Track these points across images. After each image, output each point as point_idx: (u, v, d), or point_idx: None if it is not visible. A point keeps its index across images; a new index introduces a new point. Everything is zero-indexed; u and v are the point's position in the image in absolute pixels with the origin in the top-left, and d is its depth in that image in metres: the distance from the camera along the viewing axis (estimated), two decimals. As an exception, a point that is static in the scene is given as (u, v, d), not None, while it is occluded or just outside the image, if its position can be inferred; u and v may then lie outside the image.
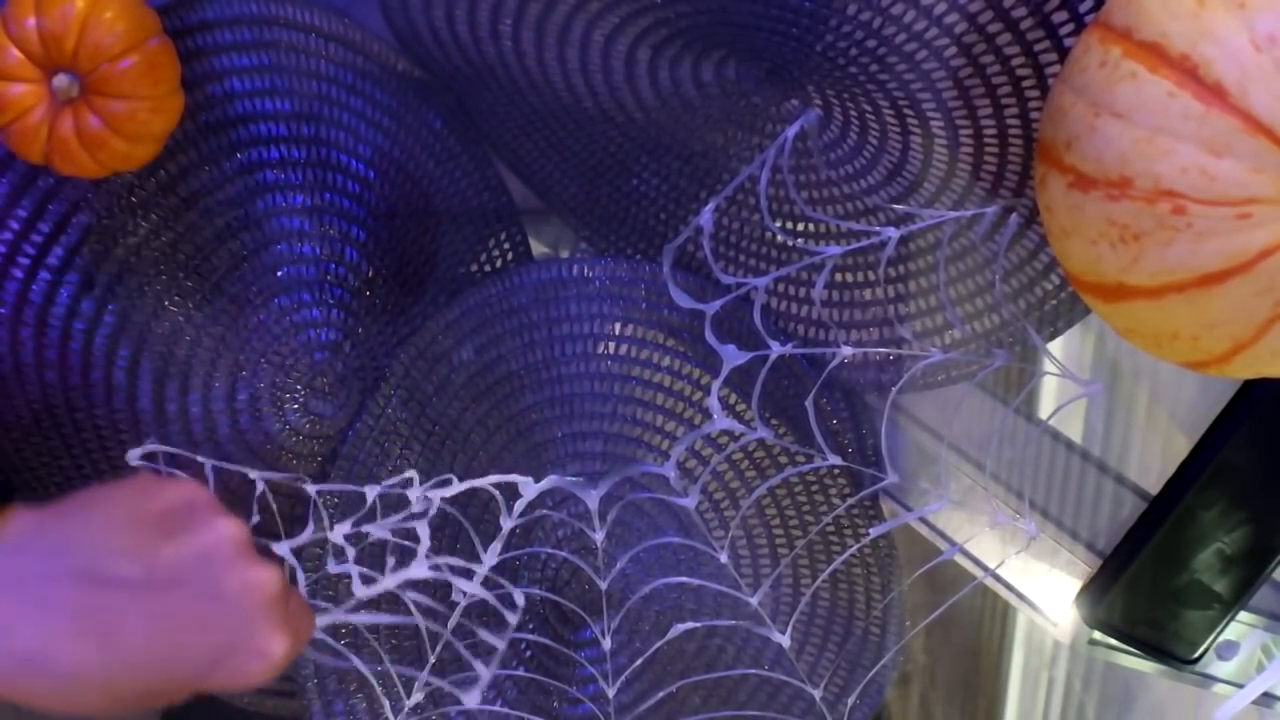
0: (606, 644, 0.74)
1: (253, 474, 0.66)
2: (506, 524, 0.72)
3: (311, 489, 0.66)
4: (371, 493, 0.65)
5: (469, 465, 0.74)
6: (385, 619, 0.75)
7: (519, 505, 0.72)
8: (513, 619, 0.71)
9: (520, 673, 0.78)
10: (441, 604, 0.76)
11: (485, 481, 0.72)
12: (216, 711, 0.83)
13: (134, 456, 0.66)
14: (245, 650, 0.49)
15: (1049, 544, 0.69)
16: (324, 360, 0.72)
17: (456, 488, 0.69)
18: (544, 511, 0.74)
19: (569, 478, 0.73)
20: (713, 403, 0.68)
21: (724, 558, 0.73)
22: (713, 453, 0.74)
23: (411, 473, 0.67)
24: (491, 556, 0.72)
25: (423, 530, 0.67)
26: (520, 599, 0.71)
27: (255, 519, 0.66)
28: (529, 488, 0.72)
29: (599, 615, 0.76)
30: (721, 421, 0.69)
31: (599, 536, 0.72)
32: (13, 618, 0.45)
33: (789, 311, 0.73)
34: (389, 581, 0.67)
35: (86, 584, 0.46)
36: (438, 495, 0.67)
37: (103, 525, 0.48)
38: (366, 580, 0.68)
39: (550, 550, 0.75)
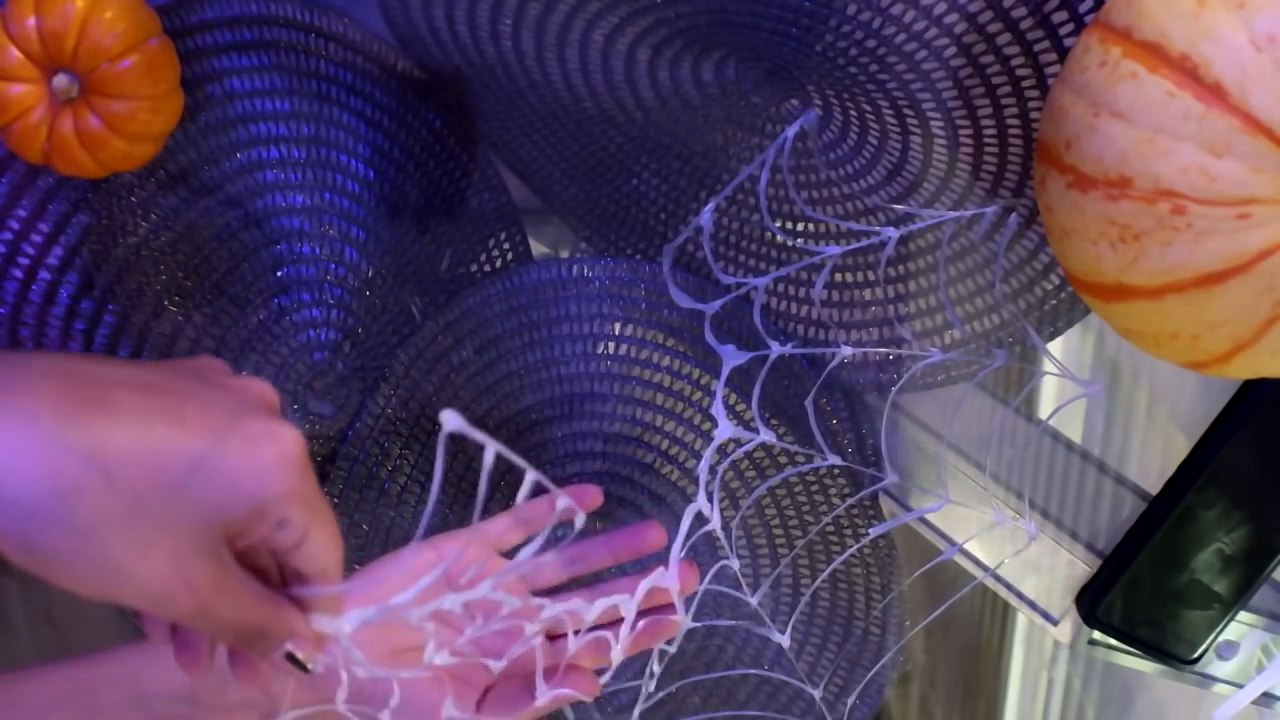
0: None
1: None
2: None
3: None
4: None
5: (469, 465, 0.74)
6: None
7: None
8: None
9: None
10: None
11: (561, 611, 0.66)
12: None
13: None
14: (250, 430, 0.40)
15: (1049, 544, 0.69)
16: (324, 360, 0.72)
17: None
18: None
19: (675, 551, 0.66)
20: (718, 408, 0.68)
21: (735, 565, 0.73)
22: (718, 458, 0.74)
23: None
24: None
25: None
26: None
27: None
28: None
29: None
30: (728, 429, 0.68)
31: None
32: None
33: (789, 311, 0.73)
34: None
35: (69, 361, 0.39)
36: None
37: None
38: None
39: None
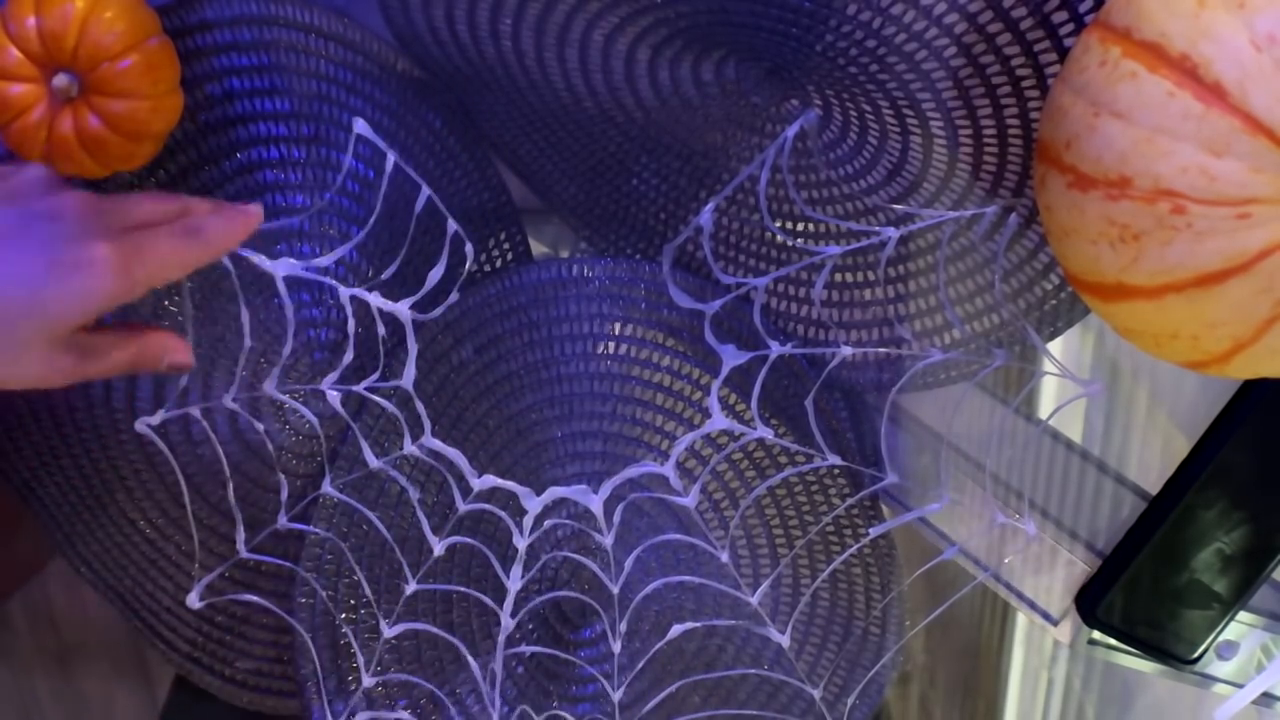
0: (617, 647, 0.74)
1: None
2: (521, 544, 0.72)
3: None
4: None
5: (469, 465, 0.74)
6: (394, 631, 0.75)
7: (527, 521, 0.72)
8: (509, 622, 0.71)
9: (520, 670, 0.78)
10: (442, 604, 0.77)
11: (487, 482, 0.72)
12: (216, 712, 0.83)
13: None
14: (68, 263, 0.50)
15: (1049, 544, 0.69)
16: (324, 360, 0.72)
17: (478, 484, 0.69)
18: (555, 521, 0.74)
19: (570, 487, 0.73)
20: (712, 403, 0.68)
21: (724, 557, 0.73)
22: (712, 453, 0.74)
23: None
24: (515, 581, 0.72)
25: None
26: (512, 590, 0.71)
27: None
28: (532, 501, 0.72)
29: (598, 615, 0.76)
30: (721, 421, 0.69)
31: (608, 541, 0.72)
32: None
33: (789, 311, 0.73)
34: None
35: None
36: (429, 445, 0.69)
37: None
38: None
39: (571, 554, 0.75)
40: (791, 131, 0.64)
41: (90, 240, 0.51)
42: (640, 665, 0.76)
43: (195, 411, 0.71)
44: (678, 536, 0.74)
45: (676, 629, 0.74)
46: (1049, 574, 0.69)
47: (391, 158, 0.64)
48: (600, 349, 0.74)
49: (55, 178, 0.55)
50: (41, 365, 0.51)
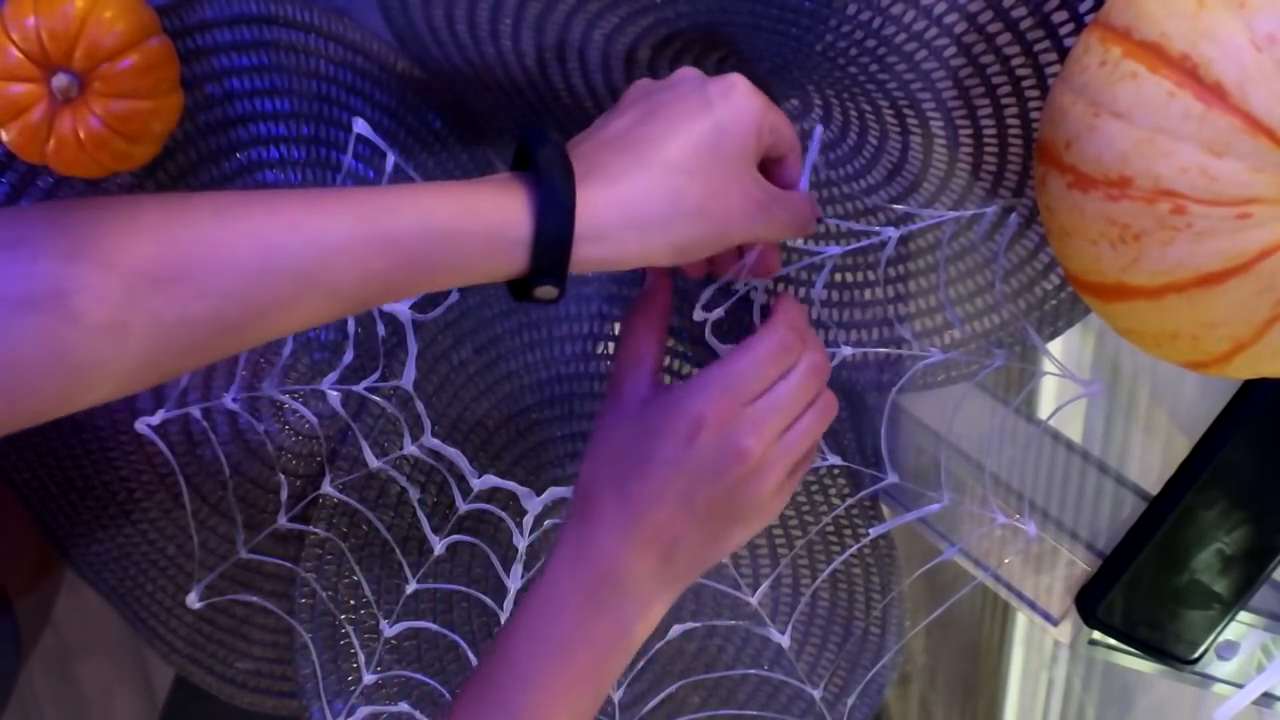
0: None
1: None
2: (522, 544, 0.72)
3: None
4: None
5: (469, 465, 0.74)
6: (394, 629, 0.75)
7: (528, 521, 0.72)
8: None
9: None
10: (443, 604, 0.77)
11: (487, 482, 0.72)
12: (216, 712, 0.83)
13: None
14: (715, 92, 0.55)
15: (1049, 544, 0.69)
16: (324, 360, 0.72)
17: (477, 484, 0.69)
18: (556, 521, 0.74)
19: (570, 487, 0.72)
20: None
21: (724, 557, 0.73)
22: None
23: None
24: (515, 580, 0.72)
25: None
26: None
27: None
28: (532, 501, 0.72)
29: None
30: None
31: None
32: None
33: (789, 311, 0.73)
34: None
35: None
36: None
37: None
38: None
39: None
40: (791, 131, 0.64)
41: (727, 79, 0.56)
42: (640, 665, 0.76)
43: (195, 411, 0.71)
44: None
45: (676, 629, 0.74)
46: (1049, 574, 0.69)
47: (391, 158, 0.64)
48: (600, 349, 0.74)
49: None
50: (744, 193, 0.55)
